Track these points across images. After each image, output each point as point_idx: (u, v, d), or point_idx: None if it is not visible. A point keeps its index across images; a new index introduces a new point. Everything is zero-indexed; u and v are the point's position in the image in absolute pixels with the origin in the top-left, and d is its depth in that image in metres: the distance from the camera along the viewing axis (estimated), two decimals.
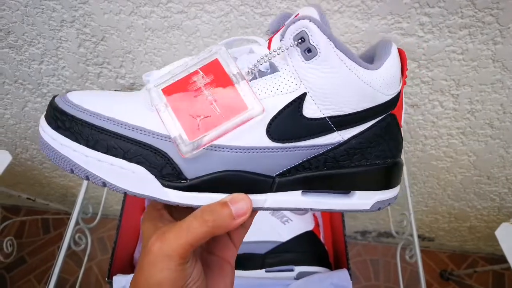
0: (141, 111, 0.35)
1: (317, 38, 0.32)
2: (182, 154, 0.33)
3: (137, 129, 0.34)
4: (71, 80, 1.00)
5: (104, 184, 0.34)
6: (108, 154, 0.33)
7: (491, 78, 0.84)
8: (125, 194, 0.34)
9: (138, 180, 0.34)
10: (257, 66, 0.34)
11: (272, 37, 0.36)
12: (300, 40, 0.32)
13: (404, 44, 0.79)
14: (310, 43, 0.32)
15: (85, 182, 0.85)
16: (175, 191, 0.34)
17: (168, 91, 0.35)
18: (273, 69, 0.34)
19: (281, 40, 0.33)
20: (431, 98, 0.91)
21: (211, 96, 0.34)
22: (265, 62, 0.34)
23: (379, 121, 0.36)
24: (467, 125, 0.97)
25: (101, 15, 0.81)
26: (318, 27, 0.31)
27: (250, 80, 0.34)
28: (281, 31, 0.34)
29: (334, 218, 0.85)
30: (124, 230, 0.78)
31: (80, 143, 0.33)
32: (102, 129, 0.34)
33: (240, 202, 0.34)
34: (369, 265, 1.59)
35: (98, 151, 0.33)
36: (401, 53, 0.37)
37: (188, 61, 0.36)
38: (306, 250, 0.75)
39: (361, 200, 0.38)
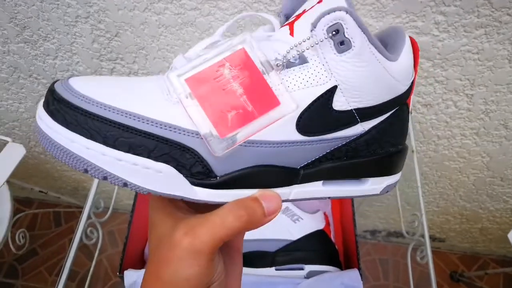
0: (161, 103, 0.32)
1: (352, 31, 0.31)
2: (213, 152, 0.31)
3: (162, 125, 0.31)
4: (84, 76, 1.01)
5: (126, 184, 0.31)
6: (130, 153, 0.30)
7: (507, 79, 0.83)
8: None
9: (165, 180, 0.31)
10: (287, 57, 0.32)
11: (293, 22, 0.34)
12: (334, 32, 0.31)
13: (418, 43, 0.79)
14: (345, 36, 0.31)
15: None
16: (204, 189, 0.32)
17: (192, 82, 0.32)
18: (301, 60, 0.32)
19: (311, 30, 0.31)
20: (445, 98, 0.91)
21: (240, 89, 0.32)
22: (297, 53, 0.32)
23: (396, 110, 0.36)
24: (481, 125, 0.96)
25: (115, 11, 0.82)
26: (354, 20, 0.30)
27: (281, 70, 0.32)
28: (312, 20, 0.31)
29: (344, 217, 0.85)
30: (136, 226, 0.78)
31: (96, 141, 0.30)
32: (123, 126, 0.30)
33: (271, 199, 0.33)
34: (378, 264, 1.58)
35: (119, 149, 0.30)
36: (412, 41, 0.36)
37: (211, 48, 0.34)
38: (316, 249, 0.75)
39: (374, 185, 0.39)
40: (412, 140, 0.88)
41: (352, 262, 0.74)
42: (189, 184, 0.32)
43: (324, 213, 0.84)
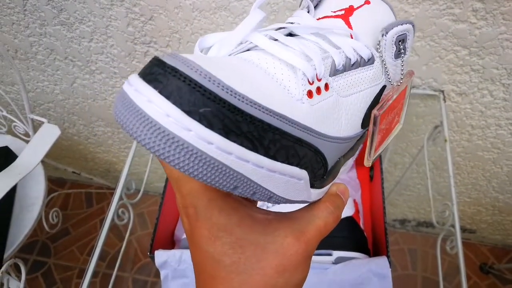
0: (291, 102, 0.27)
1: (410, 42, 0.36)
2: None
3: (303, 128, 0.27)
4: (118, 58, 1.02)
5: (270, 198, 0.27)
6: (285, 163, 0.26)
7: None
8: None
9: (302, 188, 0.29)
10: (361, 55, 0.34)
11: (346, 16, 0.36)
12: (400, 42, 0.35)
13: (455, 31, 0.77)
14: (406, 45, 0.35)
15: (129, 159, 0.87)
16: (315, 190, 0.31)
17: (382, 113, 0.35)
18: (371, 60, 0.34)
19: (383, 35, 0.34)
20: (480, 87, 0.89)
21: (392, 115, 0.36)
22: (370, 54, 0.34)
23: None
24: None
25: None
26: (414, 32, 0.35)
27: (354, 69, 0.33)
28: (384, 27, 0.35)
29: (374, 205, 0.84)
30: (166, 208, 0.79)
31: (258, 152, 0.24)
32: (282, 132, 0.26)
33: (344, 192, 0.34)
34: (406, 254, 1.57)
35: (277, 160, 0.25)
36: None
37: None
38: (345, 235, 0.75)
39: None
40: (445, 129, 0.87)
41: (381, 249, 0.73)
42: (309, 187, 0.30)
43: (354, 200, 0.84)
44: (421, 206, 1.44)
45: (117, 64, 1.05)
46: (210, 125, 0.22)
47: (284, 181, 0.27)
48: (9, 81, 1.21)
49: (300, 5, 0.38)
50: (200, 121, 0.22)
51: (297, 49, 0.30)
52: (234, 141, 0.23)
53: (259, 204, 0.73)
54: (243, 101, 0.23)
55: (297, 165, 0.27)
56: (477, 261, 1.56)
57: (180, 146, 0.22)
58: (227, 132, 0.22)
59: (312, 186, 0.30)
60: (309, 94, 0.29)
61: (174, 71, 0.22)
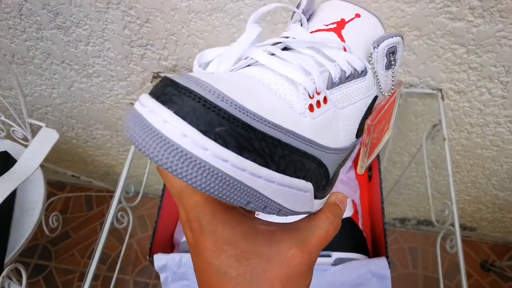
0: (294, 117, 0.28)
1: (400, 53, 0.37)
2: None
3: (308, 141, 0.28)
4: (115, 61, 1.02)
5: (280, 211, 0.27)
6: (293, 177, 0.27)
7: None
8: None
9: (307, 199, 0.30)
10: (355, 68, 0.35)
11: (338, 29, 0.37)
12: (391, 54, 0.36)
13: (452, 29, 0.77)
14: (396, 56, 0.37)
15: (127, 163, 0.87)
16: (317, 200, 0.32)
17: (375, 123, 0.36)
18: (364, 72, 0.36)
19: (374, 48, 0.35)
20: (478, 85, 0.89)
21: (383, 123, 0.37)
22: (363, 66, 0.35)
23: None
24: None
25: None
26: (403, 44, 0.37)
27: (349, 81, 0.34)
28: (375, 39, 0.36)
29: (373, 206, 0.84)
30: (165, 211, 0.79)
31: (269, 168, 0.25)
32: (290, 147, 0.27)
33: (343, 201, 0.35)
34: (407, 252, 1.57)
35: (286, 174, 0.26)
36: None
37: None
38: (344, 236, 0.75)
39: None
40: (444, 128, 0.87)
41: (380, 250, 0.73)
42: (313, 198, 0.31)
43: (353, 201, 0.84)
44: (421, 204, 1.44)
45: (114, 67, 1.04)
46: (225, 144, 0.23)
47: (292, 194, 0.27)
48: (7, 85, 1.21)
49: (291, 18, 0.39)
50: (215, 140, 0.22)
51: (295, 63, 0.31)
52: (247, 158, 0.24)
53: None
54: (254, 119, 0.24)
55: (303, 178, 0.28)
56: (478, 259, 1.56)
57: (198, 165, 0.22)
58: (240, 149, 0.23)
59: (315, 197, 0.31)
60: (311, 108, 0.30)
61: (188, 91, 0.23)
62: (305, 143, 0.28)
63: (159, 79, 0.24)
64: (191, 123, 0.22)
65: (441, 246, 0.83)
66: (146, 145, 0.22)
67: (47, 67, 1.10)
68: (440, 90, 0.91)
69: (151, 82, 0.99)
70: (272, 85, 0.29)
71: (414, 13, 0.75)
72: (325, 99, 0.31)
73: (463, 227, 1.53)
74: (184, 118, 0.22)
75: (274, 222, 0.32)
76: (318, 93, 0.31)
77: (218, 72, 0.30)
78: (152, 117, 0.23)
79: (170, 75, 0.24)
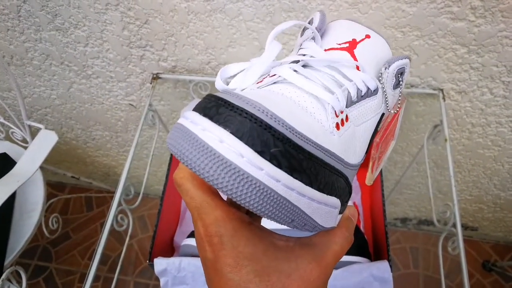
0: (326, 135, 0.29)
1: (406, 73, 0.39)
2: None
3: (340, 160, 0.30)
4: (114, 63, 1.02)
5: (314, 228, 0.28)
6: (329, 194, 0.28)
7: None
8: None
9: (335, 215, 0.30)
10: (368, 87, 0.36)
11: (351, 48, 0.38)
12: (400, 74, 0.38)
13: (453, 29, 0.76)
14: (403, 77, 0.38)
15: (127, 164, 0.86)
16: (339, 216, 0.33)
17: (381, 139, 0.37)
18: (376, 91, 0.37)
19: (385, 68, 0.37)
20: (480, 85, 0.88)
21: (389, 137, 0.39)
22: (376, 85, 0.36)
23: None
24: None
25: None
26: (409, 65, 0.39)
27: (363, 99, 0.35)
28: (387, 60, 0.37)
29: (374, 208, 0.84)
30: (165, 214, 0.79)
31: (312, 187, 0.26)
32: (330, 167, 0.28)
33: (355, 214, 0.35)
34: (408, 252, 1.56)
35: (323, 192, 0.27)
36: None
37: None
38: None
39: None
40: (445, 128, 0.86)
41: (382, 253, 0.73)
42: (338, 214, 0.32)
43: (354, 203, 0.83)
44: (422, 204, 1.44)
45: (113, 68, 1.04)
46: (279, 164, 0.24)
47: (326, 211, 0.28)
48: (6, 87, 1.21)
49: (301, 34, 0.39)
50: (270, 160, 0.23)
51: (318, 82, 0.32)
52: (296, 178, 0.24)
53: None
54: (302, 139, 0.25)
55: (335, 196, 0.29)
56: (479, 259, 1.56)
57: (252, 185, 0.23)
58: (291, 169, 0.24)
59: (340, 212, 0.32)
60: (337, 126, 0.31)
61: (244, 112, 0.24)
62: (337, 161, 0.29)
63: (204, 96, 0.25)
64: (247, 143, 0.23)
65: (443, 247, 0.82)
66: (198, 162, 0.23)
67: (46, 69, 1.09)
68: (442, 90, 0.90)
69: (150, 83, 0.98)
70: (301, 103, 0.30)
71: (415, 13, 0.75)
72: (347, 118, 0.32)
73: (464, 227, 1.53)
74: (240, 138, 0.23)
75: (291, 237, 0.32)
76: (342, 112, 0.32)
77: (251, 88, 0.31)
78: (207, 136, 0.23)
79: (217, 94, 0.25)
